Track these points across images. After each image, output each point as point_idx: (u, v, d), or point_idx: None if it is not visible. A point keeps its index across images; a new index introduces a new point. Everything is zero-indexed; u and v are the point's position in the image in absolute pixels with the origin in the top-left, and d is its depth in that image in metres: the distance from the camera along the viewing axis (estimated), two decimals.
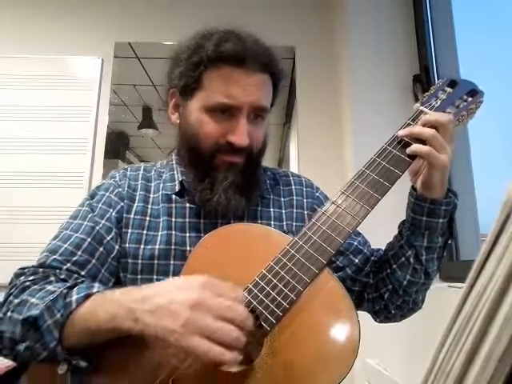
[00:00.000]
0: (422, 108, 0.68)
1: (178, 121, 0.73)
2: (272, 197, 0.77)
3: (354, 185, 0.62)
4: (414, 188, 0.67)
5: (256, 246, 0.62)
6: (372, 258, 0.76)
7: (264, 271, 0.57)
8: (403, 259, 0.68)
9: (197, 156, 0.69)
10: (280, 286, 0.55)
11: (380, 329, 1.24)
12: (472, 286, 0.20)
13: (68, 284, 0.56)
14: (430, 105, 0.68)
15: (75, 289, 0.54)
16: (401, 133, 0.63)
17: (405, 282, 0.68)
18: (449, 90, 0.70)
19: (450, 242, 0.69)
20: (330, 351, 0.53)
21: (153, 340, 0.47)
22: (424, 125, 0.62)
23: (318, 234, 0.59)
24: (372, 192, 0.60)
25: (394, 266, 0.69)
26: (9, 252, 1.70)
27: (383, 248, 0.78)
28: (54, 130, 1.87)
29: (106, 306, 0.51)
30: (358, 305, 0.76)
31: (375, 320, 0.76)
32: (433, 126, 0.61)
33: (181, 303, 0.46)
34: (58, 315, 0.52)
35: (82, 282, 0.58)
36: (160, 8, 2.07)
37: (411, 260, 0.67)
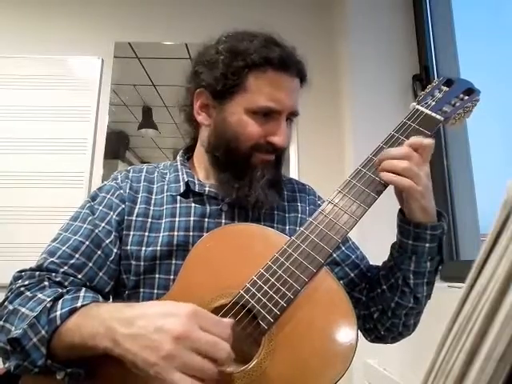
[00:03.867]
0: (418, 107, 0.68)
1: (208, 122, 0.73)
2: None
3: (351, 184, 0.62)
4: (401, 210, 0.66)
5: (254, 245, 0.62)
6: (368, 274, 0.75)
7: (262, 270, 0.57)
8: (392, 281, 0.66)
9: (235, 156, 0.70)
10: (278, 284, 0.56)
11: None
12: (472, 286, 0.20)
13: (55, 294, 0.55)
14: (427, 103, 0.68)
15: (60, 302, 0.54)
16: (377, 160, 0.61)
17: (393, 305, 0.67)
18: (445, 88, 0.70)
19: (440, 267, 0.67)
20: (328, 350, 0.53)
21: (132, 367, 0.46)
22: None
23: (315, 233, 0.59)
24: (369, 191, 0.61)
25: (384, 287, 0.68)
26: (9, 252, 1.70)
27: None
28: (54, 130, 1.87)
29: (90, 322, 0.50)
30: None
31: (366, 338, 0.74)
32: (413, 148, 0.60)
33: (164, 333, 0.44)
34: (43, 332, 0.51)
35: (69, 291, 0.57)
36: (160, 8, 2.07)
37: (399, 282, 0.65)
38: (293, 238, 0.59)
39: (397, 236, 0.66)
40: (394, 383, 1.19)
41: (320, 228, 0.59)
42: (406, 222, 0.63)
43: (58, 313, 0.52)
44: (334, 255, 0.74)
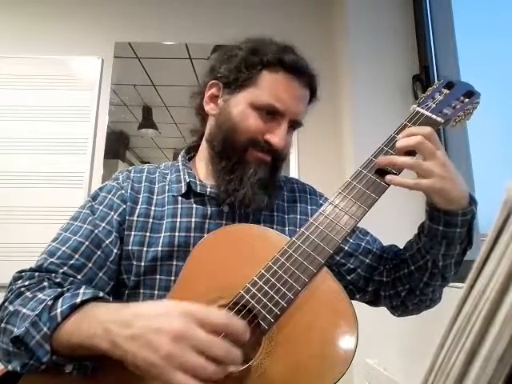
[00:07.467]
0: (418, 109, 0.68)
1: (214, 111, 0.75)
2: (276, 201, 0.77)
3: (351, 185, 0.63)
4: None
5: (254, 246, 0.62)
6: (384, 255, 0.76)
7: (262, 271, 0.57)
8: (421, 262, 0.67)
9: (231, 147, 0.71)
10: (278, 285, 0.56)
11: (380, 329, 1.24)
12: (472, 286, 0.20)
13: (56, 293, 0.55)
14: (427, 106, 0.68)
15: (60, 300, 0.54)
16: (384, 159, 0.62)
17: (421, 285, 0.68)
18: (446, 91, 0.71)
19: (469, 249, 0.66)
20: (328, 351, 0.53)
21: (133, 368, 0.45)
22: (407, 135, 0.61)
23: (315, 234, 0.59)
24: (369, 192, 0.61)
25: (412, 268, 0.69)
26: (8, 252, 1.70)
27: (397, 245, 0.78)
28: (54, 129, 1.87)
29: (87, 323, 0.50)
30: (375, 303, 0.76)
31: (393, 314, 0.76)
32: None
33: (163, 334, 0.44)
34: (45, 329, 0.51)
35: (69, 289, 0.57)
36: (160, 8, 2.07)
37: (429, 265, 0.66)
38: (293, 238, 0.60)
39: (425, 221, 0.65)
40: (394, 383, 1.19)
41: (320, 229, 0.60)
42: (435, 209, 0.62)
43: (59, 310, 0.52)
44: (346, 247, 0.75)
